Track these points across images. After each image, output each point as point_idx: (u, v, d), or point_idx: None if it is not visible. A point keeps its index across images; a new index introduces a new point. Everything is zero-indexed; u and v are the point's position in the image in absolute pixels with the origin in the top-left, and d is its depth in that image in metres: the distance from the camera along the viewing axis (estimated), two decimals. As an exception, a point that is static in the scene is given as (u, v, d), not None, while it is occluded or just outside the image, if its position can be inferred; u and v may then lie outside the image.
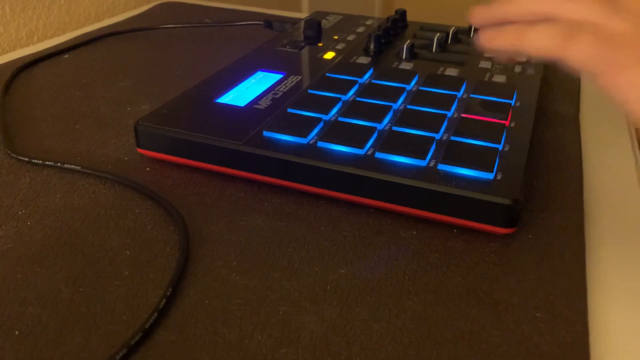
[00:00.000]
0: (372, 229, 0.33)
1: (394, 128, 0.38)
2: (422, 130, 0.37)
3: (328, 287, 0.29)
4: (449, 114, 0.40)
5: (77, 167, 0.38)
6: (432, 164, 0.34)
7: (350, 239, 0.32)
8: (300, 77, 0.46)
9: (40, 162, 0.39)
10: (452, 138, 0.36)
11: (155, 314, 0.27)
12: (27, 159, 0.39)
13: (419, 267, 0.30)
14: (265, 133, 0.37)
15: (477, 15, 0.32)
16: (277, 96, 0.42)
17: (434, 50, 0.51)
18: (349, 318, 0.27)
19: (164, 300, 0.27)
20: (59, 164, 0.39)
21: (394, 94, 0.42)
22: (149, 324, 0.26)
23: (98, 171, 0.38)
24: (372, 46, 0.51)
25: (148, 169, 0.39)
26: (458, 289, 0.29)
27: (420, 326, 0.27)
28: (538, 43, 0.26)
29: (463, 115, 0.39)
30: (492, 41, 0.29)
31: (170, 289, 0.28)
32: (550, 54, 0.26)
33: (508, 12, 0.30)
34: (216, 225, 0.33)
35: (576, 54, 0.25)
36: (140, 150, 0.39)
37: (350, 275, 0.30)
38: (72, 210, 0.35)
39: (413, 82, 0.45)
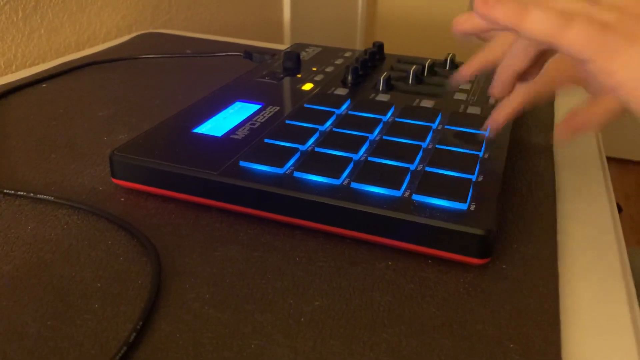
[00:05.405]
0: (348, 260, 0.33)
1: (370, 159, 0.38)
2: (398, 161, 0.37)
3: (302, 319, 0.29)
4: (424, 145, 0.40)
5: (50, 197, 0.38)
6: (406, 194, 0.34)
7: (325, 270, 0.32)
8: (278, 108, 0.46)
9: (13, 192, 0.38)
10: (427, 169, 0.37)
11: (125, 348, 0.26)
12: (-1, 189, 0.39)
13: (394, 298, 0.30)
14: (242, 163, 0.37)
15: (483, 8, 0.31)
16: (255, 126, 0.43)
17: (410, 82, 0.52)
18: (322, 352, 0.27)
19: (134, 334, 0.27)
20: (31, 194, 0.38)
21: (370, 125, 0.42)
22: (117, 358, 0.26)
23: (72, 201, 0.38)
24: (349, 78, 0.52)
25: (123, 199, 0.39)
26: (432, 320, 0.29)
27: (394, 359, 0.26)
28: (536, 26, 0.27)
29: (438, 146, 0.40)
30: (491, 10, 0.28)
31: (141, 323, 0.28)
32: (546, 38, 0.27)
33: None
34: (190, 256, 0.33)
35: (571, 38, 0.26)
36: (115, 181, 0.39)
37: (325, 307, 0.29)
38: (43, 242, 0.34)
39: (389, 114, 0.46)
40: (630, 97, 0.25)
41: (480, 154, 0.39)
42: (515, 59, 0.33)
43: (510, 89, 0.35)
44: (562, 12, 0.27)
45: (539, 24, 0.27)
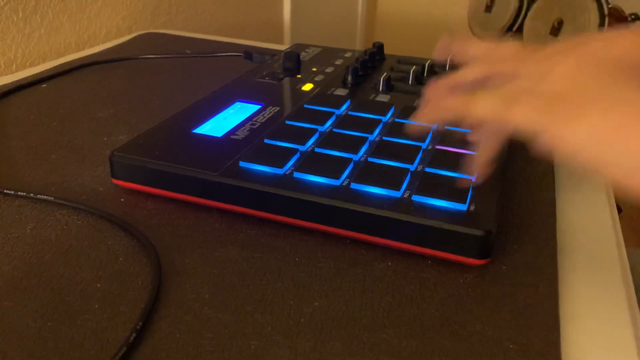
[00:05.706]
0: (348, 260, 0.33)
1: (370, 159, 0.38)
2: (397, 162, 0.37)
3: (302, 320, 0.29)
4: (424, 145, 0.40)
5: (50, 197, 0.38)
6: (406, 195, 0.34)
7: (325, 271, 0.32)
8: (278, 108, 0.46)
9: (13, 192, 0.38)
10: (427, 169, 0.37)
11: (125, 349, 0.26)
12: (-1, 189, 0.39)
13: (394, 299, 0.30)
14: (242, 163, 0.37)
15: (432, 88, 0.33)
16: (255, 127, 0.43)
17: (410, 82, 0.52)
18: (322, 352, 0.27)
19: (134, 335, 0.27)
20: (31, 195, 0.38)
21: (370, 126, 0.42)
22: (117, 358, 0.26)
23: (72, 202, 0.38)
24: (349, 78, 0.52)
25: (123, 199, 0.39)
26: (432, 321, 0.29)
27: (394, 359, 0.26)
28: (483, 110, 0.28)
29: (437, 146, 0.40)
30: (437, 113, 0.30)
31: (141, 323, 0.28)
32: (495, 119, 0.28)
33: (456, 80, 0.32)
34: (190, 257, 0.33)
35: (519, 117, 0.27)
36: (115, 181, 0.39)
37: (325, 308, 0.29)
38: (43, 242, 0.34)
39: (389, 114, 0.46)
40: (591, 162, 0.25)
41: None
42: (486, 144, 0.33)
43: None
44: (509, 92, 0.28)
45: (483, 108, 0.28)
